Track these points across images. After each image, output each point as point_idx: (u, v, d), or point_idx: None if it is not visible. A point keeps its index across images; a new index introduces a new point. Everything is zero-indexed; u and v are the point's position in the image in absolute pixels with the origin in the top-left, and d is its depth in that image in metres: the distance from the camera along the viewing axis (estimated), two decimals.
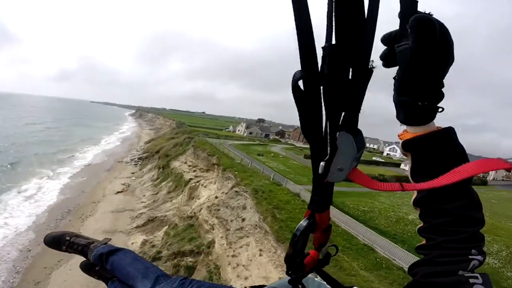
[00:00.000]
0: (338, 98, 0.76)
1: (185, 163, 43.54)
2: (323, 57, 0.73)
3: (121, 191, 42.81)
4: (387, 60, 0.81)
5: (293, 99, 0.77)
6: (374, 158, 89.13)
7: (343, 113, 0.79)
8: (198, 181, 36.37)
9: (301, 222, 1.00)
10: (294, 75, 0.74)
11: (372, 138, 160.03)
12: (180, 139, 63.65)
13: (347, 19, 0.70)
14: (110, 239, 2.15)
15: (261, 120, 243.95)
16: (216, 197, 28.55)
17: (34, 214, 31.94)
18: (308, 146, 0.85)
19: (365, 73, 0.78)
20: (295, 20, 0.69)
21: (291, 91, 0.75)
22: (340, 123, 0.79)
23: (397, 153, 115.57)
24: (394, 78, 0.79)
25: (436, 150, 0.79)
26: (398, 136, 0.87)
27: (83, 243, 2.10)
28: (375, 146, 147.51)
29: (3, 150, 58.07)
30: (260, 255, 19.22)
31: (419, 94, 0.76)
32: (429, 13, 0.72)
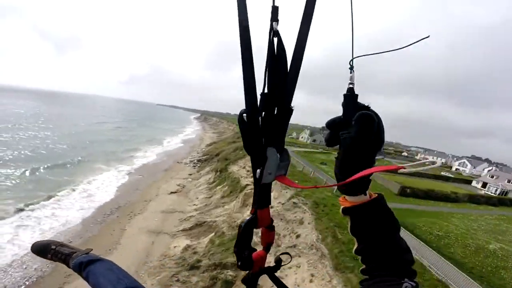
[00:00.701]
0: (268, 126, 1.08)
1: (244, 167, 41.93)
2: (260, 101, 1.06)
3: (175, 192, 42.50)
4: (330, 142, 1.09)
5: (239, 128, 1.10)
6: (443, 173, 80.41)
7: (272, 135, 1.09)
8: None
9: (246, 218, 1.21)
10: (240, 112, 1.06)
11: (439, 151, 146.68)
12: (242, 143, 62.75)
13: (274, 77, 1.04)
14: (91, 249, 2.17)
15: (324, 128, 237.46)
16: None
17: (85, 208, 32.62)
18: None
19: (287, 112, 1.09)
20: (243, 78, 1.03)
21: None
22: (270, 142, 1.09)
23: (467, 169, 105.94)
24: (335, 157, 1.06)
25: (368, 215, 1.05)
26: (339, 201, 1.11)
27: (67, 252, 2.18)
28: (443, 160, 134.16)
29: (75, 146, 63.25)
30: (311, 281, 16.38)
31: (356, 171, 0.99)
32: (368, 105, 1.03)
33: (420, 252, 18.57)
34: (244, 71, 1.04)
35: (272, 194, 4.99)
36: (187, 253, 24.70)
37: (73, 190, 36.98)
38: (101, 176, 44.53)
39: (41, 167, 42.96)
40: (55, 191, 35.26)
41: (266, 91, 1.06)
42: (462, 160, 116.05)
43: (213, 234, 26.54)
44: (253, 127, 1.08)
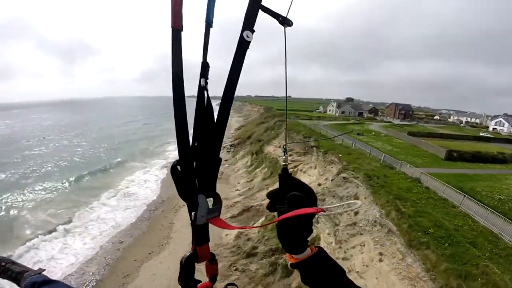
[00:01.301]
0: (198, 175, 1.17)
1: (279, 147, 40.74)
2: (190, 152, 1.14)
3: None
4: (271, 208, 1.25)
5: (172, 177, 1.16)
6: (482, 134, 74.76)
7: (202, 183, 1.19)
8: (295, 166, 33.17)
9: (187, 254, 1.25)
10: (172, 163, 1.15)
11: (471, 112, 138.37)
12: (271, 123, 61.35)
13: (203, 129, 1.14)
14: (45, 269, 1.96)
15: (349, 99, 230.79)
16: (319, 184, 24.84)
17: (130, 207, 32.88)
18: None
19: (216, 161, 1.20)
20: (176, 130, 1.11)
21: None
22: (200, 190, 1.18)
23: (505, 128, 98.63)
24: (276, 225, 1.18)
25: (313, 267, 1.15)
26: (287, 257, 1.23)
27: (18, 270, 1.96)
28: (477, 121, 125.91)
29: (108, 149, 64.78)
30: (380, 260, 14.95)
31: (293, 238, 1.15)
32: (300, 181, 1.23)
33: (488, 219, 16.80)
34: (177, 124, 1.11)
35: (316, 170, 28.61)
36: (241, 240, 24.11)
37: (117, 191, 37.35)
38: (140, 174, 45.08)
39: (83, 175, 43.59)
40: (100, 195, 35.66)
41: (195, 142, 1.14)
42: (499, 119, 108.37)
43: (263, 218, 25.78)
44: (185, 177, 1.16)
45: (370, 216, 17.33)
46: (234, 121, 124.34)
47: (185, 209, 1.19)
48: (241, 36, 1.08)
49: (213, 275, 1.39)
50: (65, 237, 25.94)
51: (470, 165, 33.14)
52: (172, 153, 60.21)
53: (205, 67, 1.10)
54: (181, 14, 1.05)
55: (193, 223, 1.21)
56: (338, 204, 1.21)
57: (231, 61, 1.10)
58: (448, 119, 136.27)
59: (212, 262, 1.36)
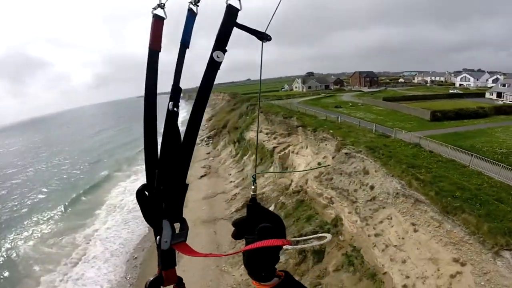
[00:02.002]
0: (164, 201, 1.15)
1: (261, 131, 39.92)
2: (156, 177, 1.14)
3: (205, 175, 40.82)
4: (237, 236, 1.27)
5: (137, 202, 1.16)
6: (451, 91, 76.17)
7: (167, 208, 1.16)
8: (284, 148, 32.50)
9: (150, 277, 1.21)
10: (138, 188, 1.15)
11: (433, 71, 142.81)
12: (242, 108, 59.95)
13: (168, 155, 1.13)
14: None
15: (310, 74, 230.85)
16: (319, 164, 24.31)
17: (131, 219, 31.40)
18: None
19: (182, 187, 1.17)
20: (145, 155, 1.16)
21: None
22: (165, 215, 1.15)
23: (471, 82, 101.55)
24: (243, 254, 1.20)
25: None
26: (253, 284, 1.21)
27: None
28: (442, 79, 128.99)
29: (91, 163, 60.75)
30: (415, 230, 14.65)
31: (261, 267, 1.17)
32: (269, 208, 1.26)
33: (502, 174, 16.90)
34: (146, 147, 1.16)
35: (309, 150, 28.42)
36: None
37: (113, 206, 35.38)
38: (130, 183, 42.46)
39: (74, 198, 40.23)
40: (97, 215, 33.92)
41: (162, 167, 1.13)
42: (463, 75, 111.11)
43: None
44: (150, 202, 1.15)
45: (390, 189, 17.00)
46: None
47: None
48: (211, 57, 1.04)
49: None
50: (77, 266, 24.24)
51: (456, 122, 33.74)
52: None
53: (176, 91, 1.11)
54: (161, 38, 1.09)
55: (158, 247, 1.17)
56: (306, 238, 1.23)
57: (200, 81, 1.07)
58: (413, 81, 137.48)
59: (179, 285, 1.27)
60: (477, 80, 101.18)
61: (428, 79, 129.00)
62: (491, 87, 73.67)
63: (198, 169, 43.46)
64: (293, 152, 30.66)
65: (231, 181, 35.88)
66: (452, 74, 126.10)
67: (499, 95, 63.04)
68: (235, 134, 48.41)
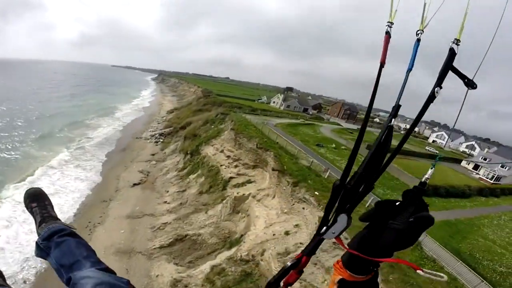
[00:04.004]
0: (350, 197, 1.21)
1: (222, 151, 34.03)
2: (352, 177, 1.20)
3: (139, 183, 34.22)
4: (367, 218, 1.20)
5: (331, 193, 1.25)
6: (427, 148, 74.23)
7: (347, 205, 1.22)
8: (243, 183, 26.90)
9: (290, 261, 1.33)
10: (335, 182, 1.24)
11: (410, 118, 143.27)
12: (211, 114, 53.89)
13: (373, 161, 1.17)
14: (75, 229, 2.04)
15: (289, 89, 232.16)
16: (287, 233, 18.77)
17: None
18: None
19: (369, 190, 1.22)
20: (348, 163, 1.25)
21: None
22: (344, 210, 1.21)
23: (444, 141, 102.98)
24: (364, 235, 1.18)
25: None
26: (335, 269, 1.25)
27: (54, 215, 2.11)
28: (417, 129, 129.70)
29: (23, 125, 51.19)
30: None
31: (376, 256, 1.12)
32: (427, 204, 1.09)
33: None
34: (354, 151, 1.26)
35: (275, 202, 23.46)
36: None
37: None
38: (49, 169, 34.82)
39: None
40: None
41: (363, 170, 1.18)
42: (440, 132, 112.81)
43: (208, 269, 18.80)
44: (337, 193, 1.23)
45: None
46: (167, 101, 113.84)
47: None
48: (432, 92, 1.11)
49: (288, 283, 1.37)
50: None
51: (445, 202, 31.65)
52: (94, 136, 49.85)
53: (397, 109, 1.19)
54: (386, 52, 1.20)
55: (319, 235, 1.25)
56: (433, 272, 1.03)
57: (417, 114, 1.16)
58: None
59: (300, 273, 1.35)
60: (451, 141, 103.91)
61: (403, 125, 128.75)
62: (466, 154, 72.95)
63: (134, 173, 36.85)
64: (254, 197, 24.94)
65: (165, 201, 29.73)
66: (426, 127, 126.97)
67: (476, 167, 61.61)
68: (191, 143, 42.23)
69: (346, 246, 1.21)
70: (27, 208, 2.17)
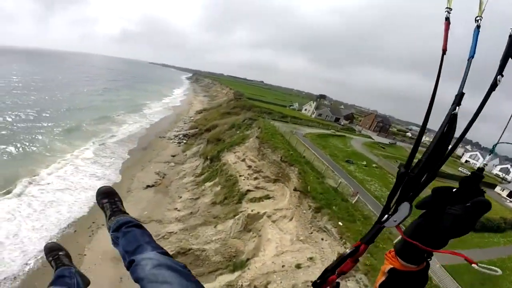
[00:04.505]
0: (413, 185, 1.17)
1: (243, 160, 31.84)
2: (417, 164, 1.18)
3: (153, 185, 32.74)
4: (424, 205, 1.15)
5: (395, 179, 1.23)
6: (460, 170, 67.36)
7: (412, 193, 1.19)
8: (260, 199, 24.62)
9: (348, 249, 1.31)
10: (400, 170, 1.21)
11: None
12: (239, 118, 51.96)
13: (437, 150, 1.15)
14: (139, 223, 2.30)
15: (322, 96, 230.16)
16: (299, 267, 16.24)
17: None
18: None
19: (432, 177, 1.17)
20: (412, 151, 1.27)
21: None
22: (407, 198, 1.18)
23: (477, 162, 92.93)
24: (420, 223, 1.14)
25: (411, 281, 1.17)
26: (387, 258, 1.22)
27: (123, 210, 2.43)
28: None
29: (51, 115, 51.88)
30: None
31: (432, 246, 1.10)
32: (484, 191, 1.08)
33: None
34: (418, 139, 1.28)
35: (292, 226, 20.62)
36: None
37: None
38: (66, 164, 34.04)
39: None
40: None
41: (428, 158, 1.16)
42: (475, 152, 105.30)
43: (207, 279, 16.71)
44: (400, 181, 1.20)
45: None
46: (198, 101, 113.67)
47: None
48: (494, 80, 1.10)
49: (343, 271, 1.35)
50: None
51: (479, 238, 27.66)
52: (119, 133, 49.49)
53: (460, 97, 1.17)
54: (447, 38, 1.21)
55: (380, 222, 1.22)
56: (488, 267, 1.02)
57: (480, 102, 1.13)
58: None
59: (356, 261, 1.33)
60: (486, 164, 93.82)
61: (424, 138, 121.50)
62: (500, 178, 66.07)
63: (150, 174, 35.50)
64: (269, 216, 22.47)
65: (176, 208, 27.91)
66: (460, 145, 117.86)
67: (511, 195, 54.47)
68: (213, 147, 40.43)
69: (404, 234, 1.15)
70: (99, 204, 2.56)
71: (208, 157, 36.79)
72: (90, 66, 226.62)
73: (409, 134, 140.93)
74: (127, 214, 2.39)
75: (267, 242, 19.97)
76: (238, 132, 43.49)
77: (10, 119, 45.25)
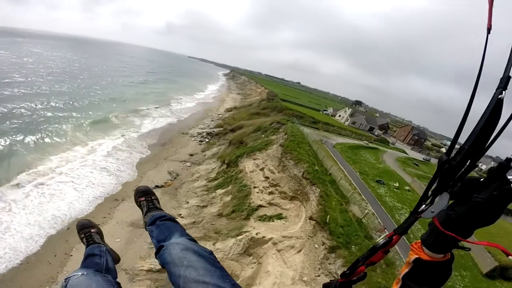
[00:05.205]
0: (453, 176, 1.13)
1: (262, 169, 28.80)
2: (458, 152, 1.13)
3: (162, 186, 30.48)
4: (455, 196, 1.14)
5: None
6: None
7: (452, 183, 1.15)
8: (271, 218, 21.50)
9: (381, 240, 1.30)
10: (442, 158, 1.16)
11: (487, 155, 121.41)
12: (267, 120, 48.60)
13: (480, 137, 1.08)
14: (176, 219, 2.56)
15: (358, 103, 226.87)
16: None
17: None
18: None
19: (474, 166, 1.12)
20: (453, 140, 1.20)
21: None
22: (447, 188, 1.15)
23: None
24: (447, 213, 1.12)
25: (437, 271, 1.17)
26: (412, 249, 1.21)
27: (159, 207, 2.69)
28: (483, 166, 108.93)
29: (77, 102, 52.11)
30: None
31: (461, 234, 1.09)
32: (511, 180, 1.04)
33: None
34: (459, 128, 1.16)
35: (298, 259, 16.96)
36: None
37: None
38: (80, 157, 32.57)
39: None
40: None
41: (471, 148, 1.11)
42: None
43: None
44: (441, 169, 1.16)
45: None
46: (230, 98, 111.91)
47: (105, 231, 1.53)
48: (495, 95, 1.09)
49: (372, 262, 1.35)
50: None
51: None
52: (143, 126, 48.19)
53: (507, 80, 1.10)
54: (491, 15, 1.14)
55: (417, 213, 1.20)
56: None
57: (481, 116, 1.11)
58: None
59: (386, 252, 1.33)
60: None
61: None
62: None
63: (162, 173, 33.38)
64: (275, 244, 19.14)
65: (180, 215, 25.27)
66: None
67: None
68: (233, 150, 37.60)
69: (439, 225, 1.13)
70: (136, 202, 2.77)
71: (226, 161, 33.89)
72: (130, 57, 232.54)
73: (443, 149, 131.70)
74: (162, 210, 2.61)
75: (265, 274, 16.71)
76: (263, 136, 40.31)
77: (39, 106, 44.96)
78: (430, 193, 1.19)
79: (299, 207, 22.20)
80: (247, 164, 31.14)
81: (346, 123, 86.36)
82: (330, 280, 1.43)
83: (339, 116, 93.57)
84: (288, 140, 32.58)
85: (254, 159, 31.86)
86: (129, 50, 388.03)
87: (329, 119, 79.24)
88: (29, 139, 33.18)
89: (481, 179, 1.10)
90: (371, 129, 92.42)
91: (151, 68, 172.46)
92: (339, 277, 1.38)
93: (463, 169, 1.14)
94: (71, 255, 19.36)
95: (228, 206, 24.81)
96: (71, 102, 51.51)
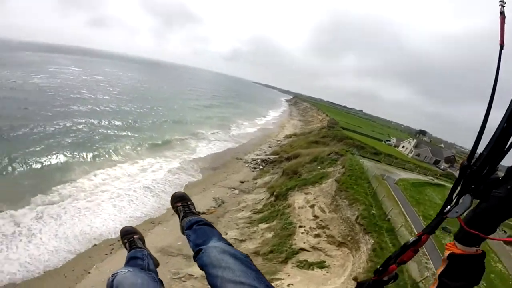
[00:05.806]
0: (474, 179, 1.20)
1: (312, 206, 25.80)
2: (478, 157, 1.20)
3: (204, 213, 28.74)
4: (479, 196, 1.19)
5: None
6: None
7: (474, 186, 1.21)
8: (311, 265, 18.41)
9: (412, 238, 1.34)
10: (464, 162, 1.23)
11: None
12: (325, 150, 45.16)
13: (498, 145, 1.14)
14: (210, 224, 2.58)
15: (422, 132, 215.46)
16: None
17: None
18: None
19: (493, 171, 1.18)
20: (474, 143, 1.23)
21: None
22: (469, 190, 1.21)
23: None
24: (474, 210, 1.18)
25: (470, 266, 1.20)
26: (446, 247, 1.27)
27: (195, 212, 2.72)
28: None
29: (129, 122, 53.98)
30: None
31: (485, 230, 1.14)
32: None
33: None
34: (481, 131, 1.21)
35: None
36: None
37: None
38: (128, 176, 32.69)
39: None
40: None
41: (489, 152, 1.17)
42: None
43: None
44: (463, 174, 1.23)
45: None
46: (291, 125, 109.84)
47: (116, 258, 3.27)
48: None
49: (403, 261, 1.38)
50: None
51: None
52: (197, 150, 48.17)
53: None
54: (503, 33, 1.20)
55: (442, 214, 1.26)
56: None
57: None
58: None
59: (416, 251, 1.36)
60: None
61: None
62: None
63: (207, 199, 31.71)
64: None
65: None
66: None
67: None
68: (284, 181, 34.92)
69: (464, 225, 1.20)
70: (173, 208, 2.82)
71: (275, 193, 31.29)
72: (197, 80, 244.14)
73: None
74: (199, 215, 2.66)
75: None
76: (319, 167, 37.09)
77: (102, 123, 47.34)
78: (454, 195, 1.25)
79: (346, 255, 18.81)
80: (297, 199, 28.20)
81: (410, 155, 79.09)
82: (364, 279, 1.42)
83: (403, 147, 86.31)
84: (345, 174, 29.16)
85: (306, 194, 28.84)
86: (197, 74, 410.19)
87: (392, 150, 73.10)
88: (83, 154, 34.42)
89: (500, 178, 1.14)
90: (436, 162, 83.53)
91: (216, 92, 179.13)
92: (373, 275, 1.40)
93: (483, 173, 1.17)
94: (89, 272, 18.58)
95: (267, 245, 22.08)
96: (133, 122, 53.56)
